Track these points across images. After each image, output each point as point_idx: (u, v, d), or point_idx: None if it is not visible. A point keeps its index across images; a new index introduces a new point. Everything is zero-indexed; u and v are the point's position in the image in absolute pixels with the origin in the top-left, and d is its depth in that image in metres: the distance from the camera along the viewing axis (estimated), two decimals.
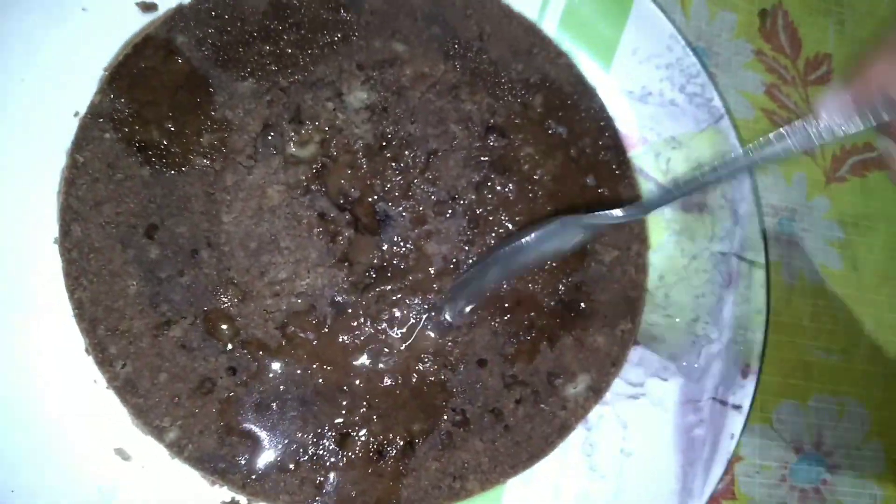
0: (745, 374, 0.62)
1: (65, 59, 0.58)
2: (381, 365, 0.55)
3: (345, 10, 0.62)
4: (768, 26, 0.80)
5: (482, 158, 0.61)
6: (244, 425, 0.52)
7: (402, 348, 0.56)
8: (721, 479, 0.63)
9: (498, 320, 0.59)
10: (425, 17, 0.63)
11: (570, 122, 0.64)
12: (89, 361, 0.53)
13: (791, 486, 0.68)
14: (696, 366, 0.62)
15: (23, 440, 0.51)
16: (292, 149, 0.58)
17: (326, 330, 0.55)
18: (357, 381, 0.55)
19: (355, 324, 0.56)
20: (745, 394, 0.61)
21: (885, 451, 0.71)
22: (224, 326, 0.53)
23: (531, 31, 0.66)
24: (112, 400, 0.53)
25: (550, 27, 0.67)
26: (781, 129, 0.48)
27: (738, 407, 0.61)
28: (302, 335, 0.54)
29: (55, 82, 0.57)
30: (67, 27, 0.58)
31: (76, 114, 0.57)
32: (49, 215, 0.55)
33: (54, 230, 0.55)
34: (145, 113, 0.57)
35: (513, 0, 0.66)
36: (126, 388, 0.52)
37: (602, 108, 0.66)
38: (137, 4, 0.60)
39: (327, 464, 0.53)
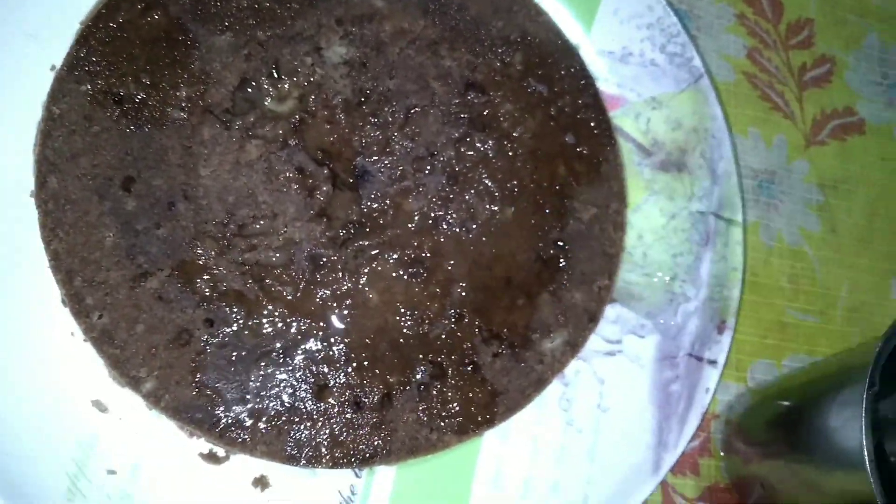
0: (720, 331, 0.62)
1: (41, 12, 0.58)
2: (358, 318, 0.56)
3: None
4: None
5: (461, 115, 0.61)
6: (220, 376, 0.53)
7: (379, 302, 0.56)
8: (696, 435, 0.64)
9: (477, 275, 0.59)
10: None
11: (550, 80, 0.64)
12: (66, 313, 0.53)
13: None
14: (672, 323, 0.63)
15: (5, 398, 0.51)
16: (270, 103, 0.58)
17: (304, 283, 0.55)
18: (334, 334, 0.55)
19: (333, 277, 0.56)
20: (720, 349, 0.62)
21: None
22: (200, 279, 0.53)
23: None
24: (88, 352, 0.53)
25: None
26: None
27: (713, 362, 0.61)
28: (279, 288, 0.55)
29: (32, 36, 0.57)
30: None
31: (52, 67, 0.57)
32: (25, 168, 0.55)
33: (30, 183, 0.55)
34: (122, 66, 0.56)
35: None
36: (103, 339, 0.52)
37: (582, 67, 0.66)
38: None
39: (304, 414, 0.53)
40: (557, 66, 0.65)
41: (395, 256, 0.57)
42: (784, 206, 0.74)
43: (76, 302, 0.52)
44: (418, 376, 0.56)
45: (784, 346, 0.71)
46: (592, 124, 0.65)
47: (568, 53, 0.66)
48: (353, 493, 0.54)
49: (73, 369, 0.53)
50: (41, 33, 0.58)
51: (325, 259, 0.56)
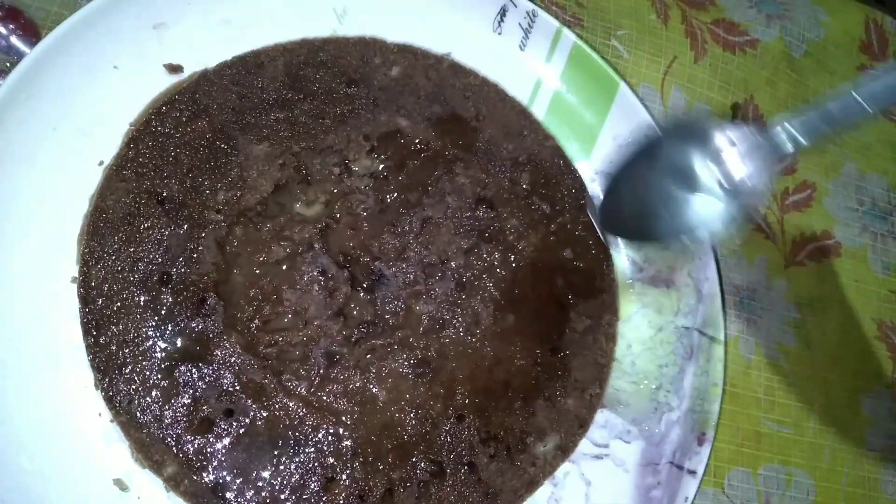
0: (700, 442, 0.67)
1: (95, 112, 0.63)
2: (366, 414, 0.60)
3: (354, 85, 0.68)
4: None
5: (471, 228, 0.67)
6: (237, 464, 0.56)
7: (386, 400, 0.61)
8: None
9: (478, 377, 0.63)
10: (427, 97, 0.69)
11: (552, 199, 0.70)
12: (96, 395, 0.57)
13: None
14: (656, 431, 0.67)
15: (30, 465, 0.54)
16: (299, 207, 0.64)
17: (318, 379, 0.59)
18: (343, 430, 0.59)
19: (345, 375, 0.60)
20: (699, 460, 0.66)
21: None
22: (225, 371, 0.58)
23: (522, 115, 0.72)
24: (114, 433, 0.57)
25: (540, 111, 0.73)
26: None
27: (692, 472, 0.66)
28: (296, 382, 0.59)
29: (85, 133, 0.62)
30: (99, 83, 0.63)
31: (100, 163, 0.62)
32: (69, 256, 0.60)
33: (73, 270, 0.59)
34: (166, 168, 0.62)
35: (507, 85, 0.73)
36: (130, 424, 0.56)
37: (582, 188, 0.72)
38: (165, 66, 0.65)
39: None
40: (560, 186, 0.71)
41: (404, 356, 0.62)
42: (763, 322, 0.79)
43: (108, 387, 0.56)
44: (419, 474, 0.60)
45: (759, 455, 0.75)
46: (590, 241, 0.70)
47: (570, 175, 0.72)
48: None
49: (99, 449, 0.56)
50: (93, 130, 0.63)
51: (338, 356, 0.60)
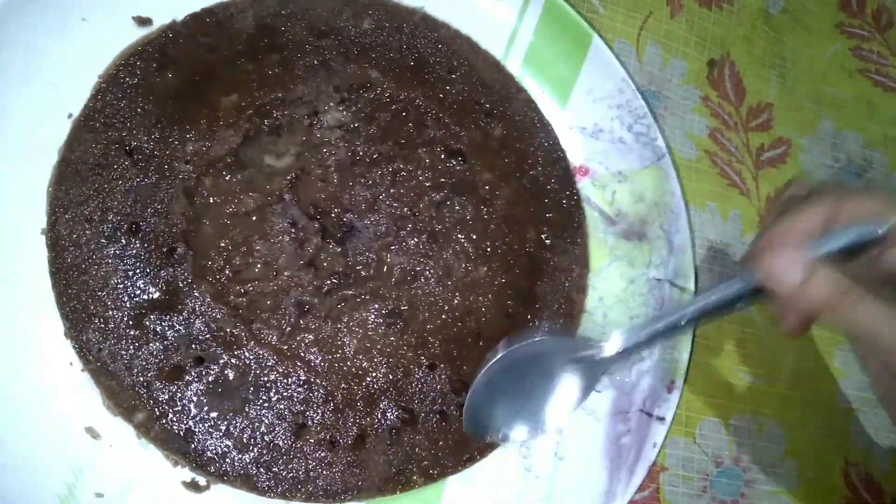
0: (669, 390, 0.68)
1: (64, 65, 0.63)
2: (338, 363, 0.60)
3: (325, 37, 0.67)
4: (715, 75, 0.87)
5: (443, 180, 0.67)
6: (207, 411, 0.57)
7: (358, 349, 0.61)
8: (646, 485, 0.69)
9: (449, 327, 0.64)
10: (399, 49, 0.69)
11: (525, 152, 0.70)
12: (67, 345, 0.57)
13: (712, 496, 0.74)
14: (626, 380, 0.68)
15: (1, 419, 0.55)
16: (269, 159, 0.64)
17: (289, 328, 0.60)
18: (314, 377, 0.59)
19: (316, 324, 0.61)
20: (668, 407, 0.67)
21: (799, 469, 0.77)
22: (195, 319, 0.58)
23: (496, 68, 0.72)
24: (85, 381, 0.57)
25: (514, 65, 0.73)
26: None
27: (661, 419, 0.67)
28: (267, 331, 0.59)
29: (52, 85, 0.62)
30: (68, 36, 0.63)
31: (69, 115, 0.62)
32: (38, 207, 0.59)
33: (42, 221, 0.59)
34: (135, 119, 0.61)
35: (481, 38, 0.73)
36: (101, 372, 0.56)
37: (556, 142, 0.72)
38: (133, 18, 0.65)
39: (283, 450, 0.57)
40: (533, 139, 0.71)
41: (375, 306, 0.62)
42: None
43: (78, 336, 0.56)
44: (390, 421, 0.60)
45: (731, 406, 0.76)
46: (562, 195, 0.70)
47: (543, 128, 0.72)
48: None
49: (70, 397, 0.57)
50: (60, 83, 0.62)
51: (309, 306, 0.61)
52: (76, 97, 0.63)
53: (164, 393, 0.56)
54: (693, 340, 0.69)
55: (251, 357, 0.58)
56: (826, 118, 0.91)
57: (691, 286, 0.71)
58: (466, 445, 0.62)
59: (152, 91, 0.62)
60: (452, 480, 0.63)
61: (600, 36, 0.74)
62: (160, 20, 0.66)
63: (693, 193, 0.80)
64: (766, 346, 0.79)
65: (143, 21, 0.65)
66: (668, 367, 0.69)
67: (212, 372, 0.57)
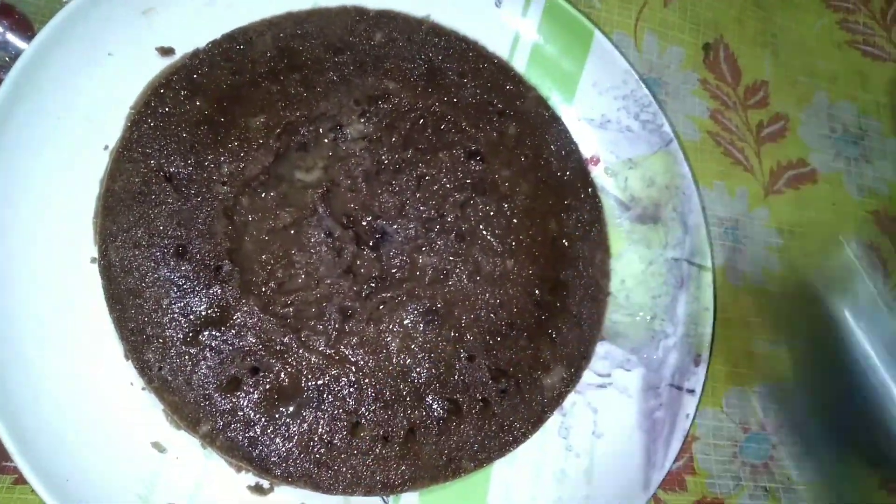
0: (696, 363, 0.71)
1: (96, 98, 0.65)
2: (383, 362, 0.63)
3: (341, 53, 0.70)
4: (711, 58, 0.90)
5: (465, 181, 0.70)
6: (266, 417, 0.60)
7: (400, 347, 0.64)
8: (680, 455, 0.72)
9: (483, 320, 0.67)
10: (411, 58, 0.72)
11: (539, 147, 0.74)
12: (127, 366, 0.60)
13: (742, 461, 0.77)
14: (654, 357, 0.72)
15: (74, 437, 0.58)
16: (299, 175, 0.67)
17: (335, 333, 0.63)
18: (364, 377, 0.63)
19: (359, 327, 0.64)
20: (697, 379, 0.70)
21: (822, 428, 0.81)
22: (247, 332, 0.61)
23: (503, 69, 0.75)
24: (147, 399, 0.60)
25: (520, 65, 0.77)
26: None
27: (691, 391, 0.70)
28: (314, 338, 0.62)
29: (88, 120, 0.65)
30: (97, 71, 0.65)
31: (106, 147, 0.65)
32: (85, 237, 0.62)
33: (89, 251, 0.62)
34: (169, 146, 0.64)
35: (487, 42, 0.76)
36: (163, 389, 0.59)
37: (567, 134, 0.75)
38: (157, 49, 0.68)
39: (340, 449, 0.61)
40: (546, 134, 0.74)
41: (413, 306, 0.66)
42: (748, 250, 0.84)
43: (138, 357, 0.59)
44: (437, 412, 0.64)
45: (753, 374, 0.80)
46: (578, 185, 0.74)
47: (554, 122, 0.75)
48: None
49: (134, 415, 0.60)
50: (96, 117, 0.65)
51: (352, 311, 0.64)
52: (110, 129, 0.65)
53: (225, 404, 0.59)
54: (714, 315, 0.73)
55: (302, 363, 0.61)
56: (820, 91, 0.95)
57: (708, 263, 0.74)
58: (510, 430, 0.66)
59: (184, 118, 0.65)
60: (499, 464, 0.66)
61: (600, 30, 0.77)
62: (182, 49, 0.68)
63: (700, 174, 0.84)
64: (781, 313, 0.82)
65: (166, 51, 0.68)
66: (692, 341, 0.72)
67: (267, 380, 0.60)
